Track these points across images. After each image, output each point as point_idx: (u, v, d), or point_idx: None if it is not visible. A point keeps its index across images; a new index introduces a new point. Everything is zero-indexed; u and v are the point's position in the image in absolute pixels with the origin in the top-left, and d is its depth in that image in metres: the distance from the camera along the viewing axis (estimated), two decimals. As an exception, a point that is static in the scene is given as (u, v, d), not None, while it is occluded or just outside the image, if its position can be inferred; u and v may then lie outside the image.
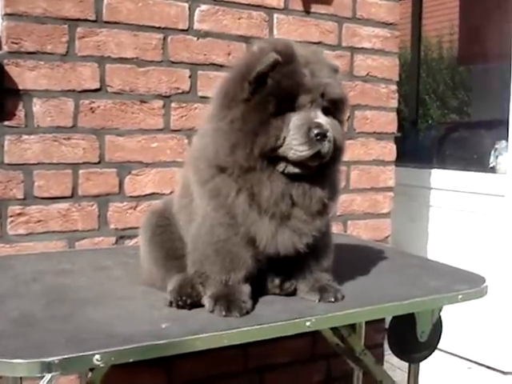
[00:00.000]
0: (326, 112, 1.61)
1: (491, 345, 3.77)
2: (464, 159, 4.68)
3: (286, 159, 1.57)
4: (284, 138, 1.55)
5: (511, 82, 3.75)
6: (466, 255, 3.83)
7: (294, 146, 1.54)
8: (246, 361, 2.78)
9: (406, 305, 1.80)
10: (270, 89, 1.54)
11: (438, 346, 2.20)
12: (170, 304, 1.65)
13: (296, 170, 1.59)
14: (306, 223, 1.64)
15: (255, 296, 1.68)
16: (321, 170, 1.63)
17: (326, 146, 1.55)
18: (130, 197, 2.52)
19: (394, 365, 3.42)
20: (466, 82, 8.60)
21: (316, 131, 1.53)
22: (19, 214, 2.32)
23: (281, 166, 1.58)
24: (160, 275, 1.80)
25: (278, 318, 1.58)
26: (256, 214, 1.60)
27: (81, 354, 1.32)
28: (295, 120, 1.55)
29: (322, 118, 1.57)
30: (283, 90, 1.54)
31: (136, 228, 2.43)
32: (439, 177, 4.22)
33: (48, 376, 1.57)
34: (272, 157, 1.57)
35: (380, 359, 3.13)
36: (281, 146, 1.55)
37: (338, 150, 1.65)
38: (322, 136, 1.54)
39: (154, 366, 2.54)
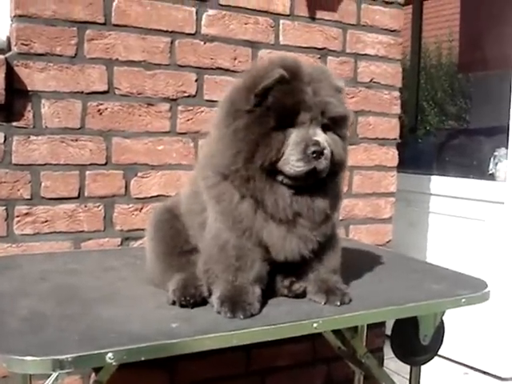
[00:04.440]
0: (327, 128, 1.65)
1: (488, 350, 3.80)
2: (463, 166, 4.70)
3: (283, 173, 1.61)
4: (283, 153, 1.59)
5: (511, 89, 3.78)
6: (465, 262, 3.85)
7: (291, 161, 1.59)
8: (249, 363, 2.80)
9: (410, 308, 1.82)
10: (272, 104, 1.58)
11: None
12: (173, 303, 1.68)
13: (293, 183, 1.63)
14: (311, 230, 1.69)
15: (265, 297, 1.71)
16: (322, 183, 1.67)
17: (322, 164, 1.59)
18: (136, 198, 2.54)
19: (392, 370, 3.44)
20: (465, 88, 8.65)
21: (313, 149, 1.57)
22: (26, 214, 2.34)
23: (279, 178, 1.63)
24: (160, 271, 1.84)
25: (285, 319, 1.61)
26: (263, 220, 1.65)
27: (94, 351, 1.34)
28: (294, 136, 1.59)
29: (320, 136, 1.61)
30: (284, 106, 1.58)
31: (141, 230, 2.47)
32: (439, 183, 4.24)
33: (55, 374, 1.60)
34: (271, 169, 1.61)
35: (380, 363, 3.15)
36: (279, 160, 1.60)
37: (338, 165, 1.69)
38: (319, 154, 1.58)
39: (157, 367, 2.56)
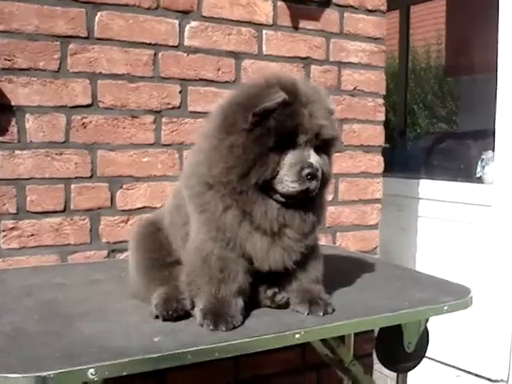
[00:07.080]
0: (318, 149, 1.69)
1: (479, 353, 3.81)
2: (451, 169, 4.72)
3: (275, 189, 1.65)
4: (277, 172, 1.63)
5: (497, 93, 3.80)
6: (453, 264, 3.88)
7: (285, 181, 1.63)
8: (238, 371, 2.81)
9: (392, 316, 1.83)
10: (273, 126, 1.60)
11: (427, 354, 2.24)
12: (156, 317, 1.69)
13: (283, 200, 1.66)
14: (297, 242, 1.71)
15: (247, 308, 1.72)
16: (311, 198, 1.70)
17: (313, 184, 1.64)
18: (122, 211, 2.55)
19: (384, 374, 3.45)
20: (454, 91, 8.68)
21: (307, 171, 1.62)
22: (12, 229, 2.35)
23: (270, 194, 1.66)
24: (143, 285, 1.85)
25: (267, 330, 1.62)
26: (247, 232, 1.67)
27: (76, 368, 1.35)
28: (290, 157, 1.63)
29: (313, 158, 1.66)
30: (284, 129, 1.61)
31: (127, 241, 2.48)
32: (427, 187, 4.27)
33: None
34: (264, 185, 1.64)
35: (370, 369, 3.16)
36: (273, 178, 1.63)
37: (325, 181, 1.74)
38: (312, 176, 1.63)
39: (146, 377, 2.55)
